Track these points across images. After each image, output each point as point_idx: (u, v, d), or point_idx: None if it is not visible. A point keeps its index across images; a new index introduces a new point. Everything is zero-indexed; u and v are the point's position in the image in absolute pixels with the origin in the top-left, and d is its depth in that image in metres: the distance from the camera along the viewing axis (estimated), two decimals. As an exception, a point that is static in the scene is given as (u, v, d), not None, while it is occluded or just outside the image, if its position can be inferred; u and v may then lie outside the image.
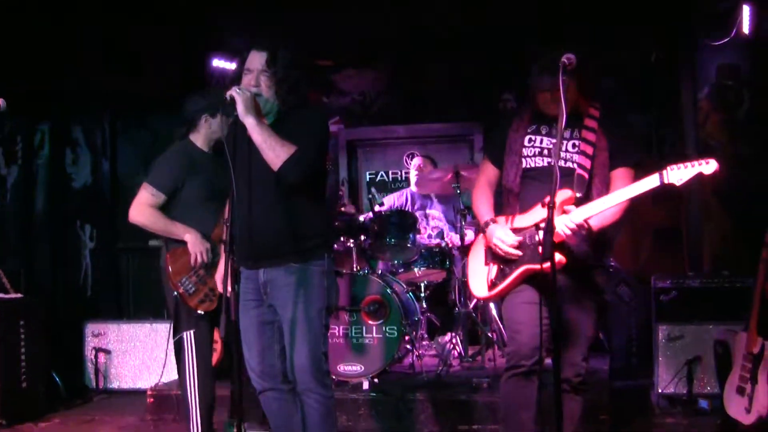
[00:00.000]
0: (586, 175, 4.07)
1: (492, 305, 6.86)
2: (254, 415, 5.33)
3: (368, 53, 8.96)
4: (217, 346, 6.79)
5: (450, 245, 7.05)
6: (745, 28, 7.31)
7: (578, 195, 3.98)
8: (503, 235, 4.15)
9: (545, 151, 4.20)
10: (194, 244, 5.02)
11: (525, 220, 4.16)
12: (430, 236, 7.13)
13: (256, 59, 4.22)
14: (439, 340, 7.17)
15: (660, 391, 6.30)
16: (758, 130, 7.61)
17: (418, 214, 7.20)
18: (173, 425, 6.27)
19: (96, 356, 7.55)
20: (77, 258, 8.47)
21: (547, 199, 3.73)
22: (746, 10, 7.26)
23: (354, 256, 6.58)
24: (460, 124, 9.03)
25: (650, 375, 6.59)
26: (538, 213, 4.08)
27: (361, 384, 6.22)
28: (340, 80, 9.22)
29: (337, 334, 6.32)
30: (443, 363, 6.50)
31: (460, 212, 6.87)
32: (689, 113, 7.92)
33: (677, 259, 7.97)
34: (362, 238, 6.64)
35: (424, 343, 7.03)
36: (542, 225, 3.82)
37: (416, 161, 7.97)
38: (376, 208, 6.82)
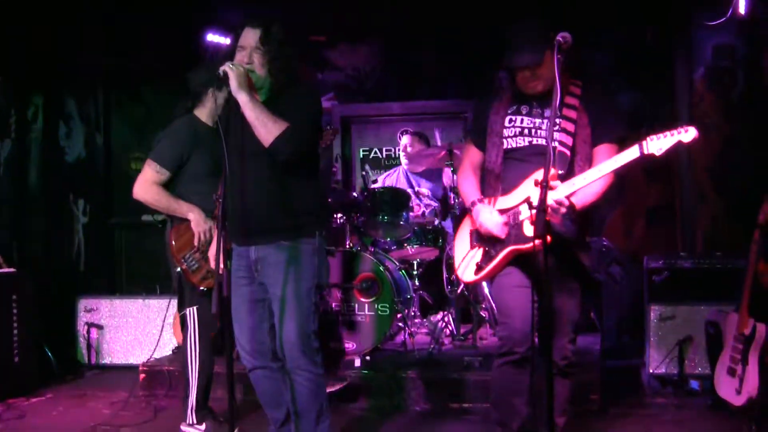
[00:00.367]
0: (568, 153, 4.05)
1: (484, 283, 6.86)
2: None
3: (362, 29, 8.92)
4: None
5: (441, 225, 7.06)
6: (741, 9, 7.28)
7: (560, 172, 3.94)
8: (489, 216, 4.14)
9: (526, 131, 4.18)
10: (198, 223, 5.03)
11: (508, 201, 4.15)
12: (423, 213, 7.12)
13: (250, 36, 4.21)
14: (431, 318, 7.18)
15: (651, 371, 6.32)
16: (753, 110, 7.60)
17: (410, 191, 7.18)
18: (165, 400, 6.28)
19: (88, 331, 7.55)
20: (70, 233, 8.45)
21: (539, 177, 3.72)
22: (743, -11, 7.24)
23: (347, 234, 6.57)
24: (455, 101, 8.99)
25: (641, 354, 6.62)
26: (520, 193, 4.08)
27: (353, 361, 6.23)
28: (335, 56, 9.18)
29: (329, 311, 6.32)
30: (435, 341, 6.51)
31: (453, 189, 6.86)
32: (683, 93, 7.90)
33: (670, 239, 7.98)
34: (355, 215, 6.63)
35: (416, 321, 7.04)
36: (525, 204, 3.86)
37: (405, 140, 7.93)
38: (370, 185, 6.81)
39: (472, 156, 4.46)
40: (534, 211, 3.71)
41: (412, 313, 6.86)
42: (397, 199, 6.72)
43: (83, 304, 7.66)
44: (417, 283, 7.06)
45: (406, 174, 7.78)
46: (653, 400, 6.00)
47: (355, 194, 6.80)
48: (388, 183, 7.71)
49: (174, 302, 7.25)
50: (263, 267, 4.26)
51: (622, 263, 7.27)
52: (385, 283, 6.28)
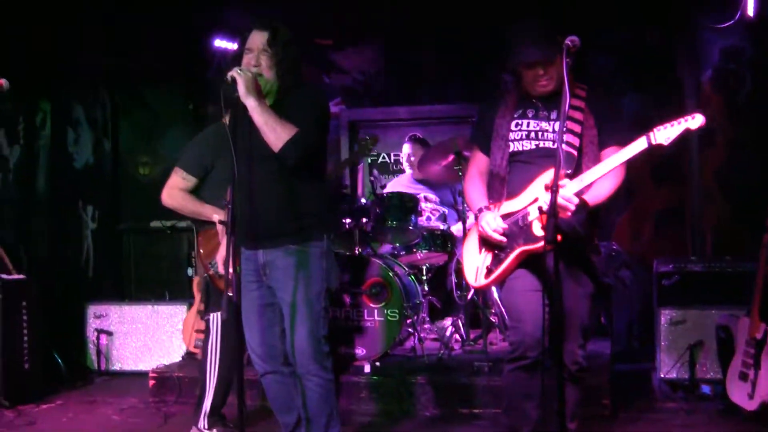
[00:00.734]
0: (575, 153, 4.04)
1: (493, 288, 6.84)
2: None
3: (367, 32, 8.92)
4: (219, 329, 6.81)
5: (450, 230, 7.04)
6: (750, 11, 7.27)
7: (568, 172, 3.93)
8: (489, 220, 4.13)
9: (532, 134, 4.17)
10: (224, 230, 5.04)
11: (514, 204, 4.13)
12: (429, 219, 7.10)
13: (257, 38, 4.21)
14: (441, 323, 7.17)
15: (662, 375, 6.29)
16: (760, 113, 7.58)
17: (418, 196, 7.16)
18: (175, 407, 6.26)
19: (98, 338, 7.55)
20: (79, 239, 8.46)
21: (548, 179, 3.71)
22: (751, -8, 7.22)
23: (356, 239, 6.56)
24: (461, 105, 8.97)
25: (651, 358, 6.59)
26: (528, 195, 4.07)
27: (362, 367, 6.22)
28: (341, 59, 9.18)
29: (338, 316, 6.32)
30: (444, 346, 6.50)
31: (461, 193, 6.84)
32: (690, 95, 7.89)
33: (679, 242, 7.96)
34: (363, 220, 6.61)
35: (425, 326, 7.02)
36: (534, 206, 3.87)
37: (406, 148, 7.90)
38: (378, 190, 6.80)
39: (478, 161, 4.44)
40: (544, 214, 3.70)
41: (422, 319, 6.85)
42: (406, 204, 6.70)
43: (92, 310, 7.66)
44: (426, 288, 7.04)
45: (413, 180, 7.76)
46: (664, 405, 5.98)
47: (363, 200, 6.78)
48: (396, 188, 7.69)
49: (182, 308, 7.35)
50: (271, 271, 4.26)
51: (631, 267, 7.26)
52: (395, 288, 6.27)
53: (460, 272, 6.83)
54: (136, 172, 8.77)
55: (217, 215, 5.00)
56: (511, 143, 4.19)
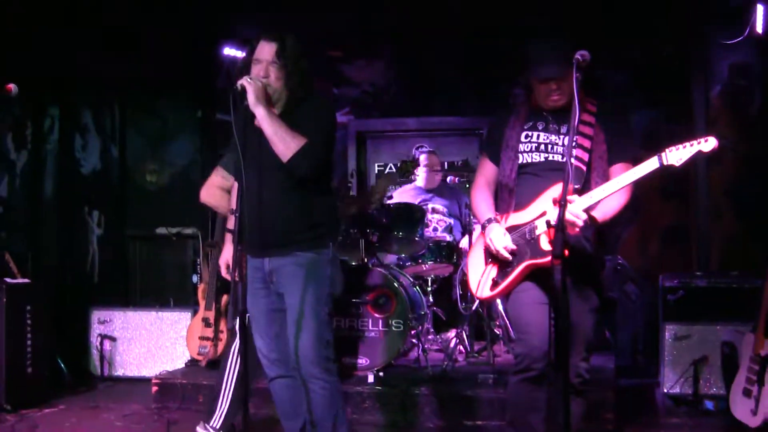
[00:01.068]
0: (584, 167, 4.04)
1: (498, 300, 6.83)
2: None
3: (378, 44, 8.93)
4: (223, 336, 6.81)
5: (456, 241, 7.04)
6: (759, 28, 7.27)
7: (576, 187, 3.93)
8: (496, 236, 4.13)
9: (542, 147, 4.17)
10: (230, 237, 5.05)
11: (522, 216, 4.13)
12: (435, 229, 7.10)
13: (266, 49, 4.22)
14: (445, 335, 7.16)
15: (665, 390, 6.28)
16: (769, 129, 7.58)
17: (425, 207, 7.16)
18: (178, 413, 6.26)
19: (101, 343, 7.55)
20: (84, 244, 8.46)
21: (556, 193, 3.71)
22: (760, 9, 7.21)
23: (361, 249, 6.56)
24: (470, 118, 8.98)
25: (655, 373, 6.58)
26: (535, 208, 4.07)
27: (366, 377, 6.21)
28: (350, 71, 9.19)
29: (342, 326, 6.31)
30: (449, 358, 6.49)
31: (468, 206, 6.84)
32: (700, 111, 7.88)
33: (685, 258, 7.94)
34: (370, 230, 6.61)
35: (429, 337, 7.01)
36: (542, 219, 3.88)
37: (423, 158, 7.89)
38: (385, 200, 6.81)
39: (486, 171, 4.44)
40: (552, 228, 3.69)
41: (426, 330, 6.84)
42: (412, 215, 6.72)
43: (97, 315, 7.65)
44: (431, 299, 7.03)
45: (420, 190, 7.76)
46: (667, 420, 5.97)
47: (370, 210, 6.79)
48: (403, 198, 7.69)
49: (186, 315, 7.35)
50: (278, 278, 4.28)
51: (637, 282, 7.25)
52: (400, 298, 6.27)
53: (464, 284, 6.85)
54: (142, 178, 8.77)
55: None
56: (520, 155, 4.20)
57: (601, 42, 7.24)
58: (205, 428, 5.16)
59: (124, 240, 8.56)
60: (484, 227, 4.27)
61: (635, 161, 3.89)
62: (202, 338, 6.87)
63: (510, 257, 4.08)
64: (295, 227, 4.21)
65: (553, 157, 4.12)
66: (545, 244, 3.93)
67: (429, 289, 7.12)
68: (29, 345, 6.64)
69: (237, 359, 5.14)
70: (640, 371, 7.03)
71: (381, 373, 6.26)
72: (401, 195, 7.82)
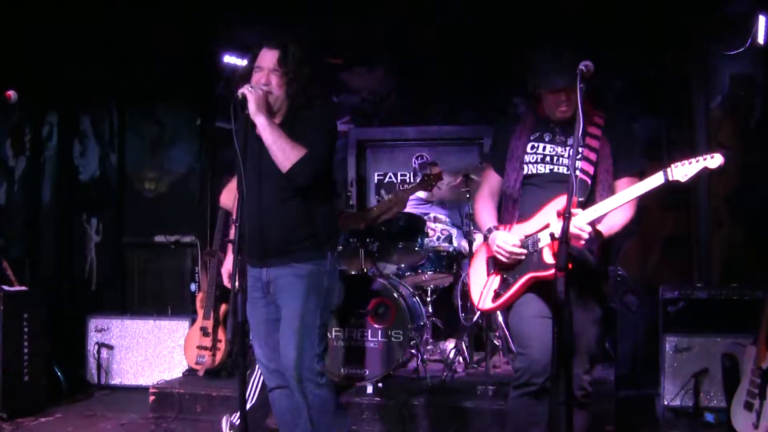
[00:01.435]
0: (589, 180, 4.02)
1: (498, 311, 6.80)
2: None
3: (379, 52, 8.91)
4: (221, 345, 6.78)
5: (457, 250, 7.01)
6: (760, 38, 7.25)
7: (581, 199, 3.91)
8: (505, 238, 4.09)
9: (547, 158, 4.15)
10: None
11: (525, 228, 4.10)
12: (439, 238, 7.07)
13: (268, 57, 4.21)
14: (441, 345, 7.13)
15: (666, 403, 6.24)
16: (770, 139, 7.56)
17: (425, 218, 7.12)
18: (175, 423, 6.23)
19: (98, 351, 7.50)
20: (82, 251, 8.44)
21: (559, 205, 3.68)
22: (762, 20, 7.20)
23: (361, 259, 6.53)
24: (470, 127, 8.95)
25: (655, 385, 6.54)
26: (539, 220, 4.04)
27: (365, 388, 6.17)
28: (351, 79, 9.16)
29: (342, 336, 6.28)
30: (448, 368, 6.46)
31: (469, 216, 6.81)
32: (701, 121, 7.86)
33: (686, 269, 7.91)
34: (370, 240, 6.58)
35: (429, 347, 6.98)
36: (545, 231, 3.87)
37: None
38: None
39: (490, 180, 4.41)
40: (555, 240, 3.67)
41: (426, 340, 6.81)
42: (412, 225, 6.69)
43: (94, 323, 7.61)
44: (431, 310, 7.00)
45: (420, 200, 7.72)
46: (668, 433, 5.95)
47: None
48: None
49: (184, 323, 7.31)
50: (275, 288, 4.28)
51: (637, 292, 7.22)
52: (399, 309, 6.23)
53: (465, 294, 6.82)
54: (141, 186, 8.75)
55: None
56: (525, 165, 4.17)
57: (602, 52, 7.21)
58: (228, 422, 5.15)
59: (122, 247, 8.54)
60: (486, 237, 4.24)
61: (641, 176, 3.86)
62: (200, 347, 6.84)
63: (524, 252, 4.04)
64: (294, 236, 4.20)
65: (558, 169, 4.09)
66: (548, 257, 3.90)
67: (428, 299, 7.08)
68: (26, 353, 6.61)
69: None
70: (640, 382, 7.00)
71: (380, 384, 6.22)
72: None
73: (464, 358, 6.89)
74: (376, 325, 6.28)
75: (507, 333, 6.71)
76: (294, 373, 4.19)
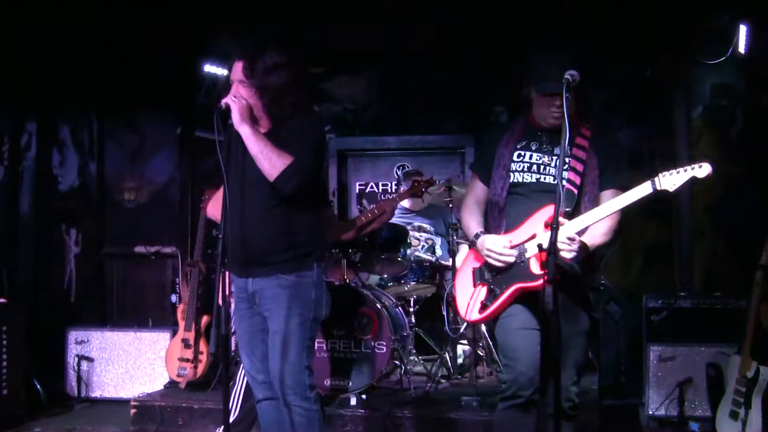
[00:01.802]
0: (575, 191, 4.00)
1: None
2: None
3: (360, 62, 8.89)
4: (203, 358, 6.72)
5: (440, 260, 6.99)
6: (741, 48, 7.28)
7: (567, 210, 3.89)
8: (494, 240, 4.07)
9: (534, 167, 4.12)
10: None
11: (511, 238, 4.07)
12: (423, 248, 7.03)
13: (236, 68, 4.19)
14: (426, 357, 7.10)
15: (650, 412, 6.24)
16: (751, 149, 7.56)
17: (409, 227, 7.10)
18: (156, 437, 6.18)
19: (78, 364, 7.42)
20: (61, 262, 8.36)
21: (546, 215, 3.66)
22: (743, 29, 7.22)
23: (344, 269, 6.49)
24: (452, 137, 8.95)
25: (639, 394, 6.53)
26: (525, 230, 4.01)
27: (348, 399, 6.13)
28: (332, 88, 9.13)
29: (325, 348, 6.24)
30: (432, 380, 6.43)
31: (451, 226, 6.79)
32: (682, 131, 7.88)
33: (668, 277, 7.92)
34: (352, 250, 6.55)
35: (412, 358, 6.94)
36: (532, 242, 3.86)
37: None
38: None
39: (476, 189, 4.38)
40: (543, 251, 3.65)
41: (409, 351, 6.77)
42: (395, 235, 6.66)
43: (73, 335, 7.53)
44: (413, 320, 6.97)
45: (404, 210, 7.69)
46: (652, 443, 5.94)
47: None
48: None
49: (165, 335, 7.25)
50: (260, 299, 4.22)
51: (620, 301, 7.21)
52: (383, 320, 6.20)
53: (449, 305, 6.79)
54: (121, 196, 8.67)
55: None
56: (512, 174, 4.14)
57: (595, 59, 7.22)
58: None
59: (101, 258, 8.45)
60: (473, 244, 4.21)
61: (624, 189, 3.84)
62: (181, 359, 6.78)
63: (515, 259, 4.01)
64: (278, 245, 4.15)
65: (544, 178, 4.07)
66: (535, 268, 3.88)
67: (411, 309, 7.05)
68: (4, 365, 6.53)
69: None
70: (623, 392, 6.98)
71: (364, 396, 6.18)
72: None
73: (448, 369, 6.86)
74: (359, 337, 6.25)
75: (491, 343, 6.69)
76: (280, 385, 4.15)
